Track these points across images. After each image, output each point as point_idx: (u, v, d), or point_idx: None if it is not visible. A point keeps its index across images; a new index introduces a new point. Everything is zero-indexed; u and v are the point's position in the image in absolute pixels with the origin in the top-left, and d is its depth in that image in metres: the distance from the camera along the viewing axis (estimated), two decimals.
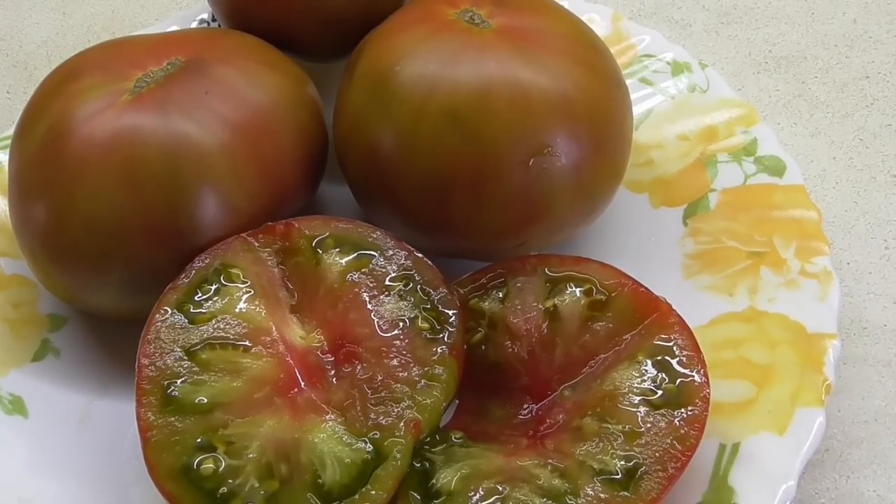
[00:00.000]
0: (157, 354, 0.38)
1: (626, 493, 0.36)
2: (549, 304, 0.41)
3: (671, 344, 0.39)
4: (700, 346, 0.39)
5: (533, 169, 0.41)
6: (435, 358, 0.39)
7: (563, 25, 0.45)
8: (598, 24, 0.53)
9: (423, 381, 0.38)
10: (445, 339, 0.39)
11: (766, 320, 0.43)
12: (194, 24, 0.56)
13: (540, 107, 0.41)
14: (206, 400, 0.37)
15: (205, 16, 0.56)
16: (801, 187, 0.46)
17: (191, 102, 0.42)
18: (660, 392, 0.38)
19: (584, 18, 0.47)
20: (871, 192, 0.52)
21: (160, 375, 0.38)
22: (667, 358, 0.39)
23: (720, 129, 0.49)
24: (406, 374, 0.39)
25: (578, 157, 0.42)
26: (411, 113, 0.42)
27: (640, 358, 0.39)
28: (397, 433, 0.37)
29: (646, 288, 0.41)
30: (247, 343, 0.39)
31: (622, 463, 0.37)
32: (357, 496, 0.36)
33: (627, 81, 0.46)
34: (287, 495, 0.36)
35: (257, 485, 0.36)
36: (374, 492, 0.36)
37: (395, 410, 0.38)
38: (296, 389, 0.38)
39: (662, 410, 0.38)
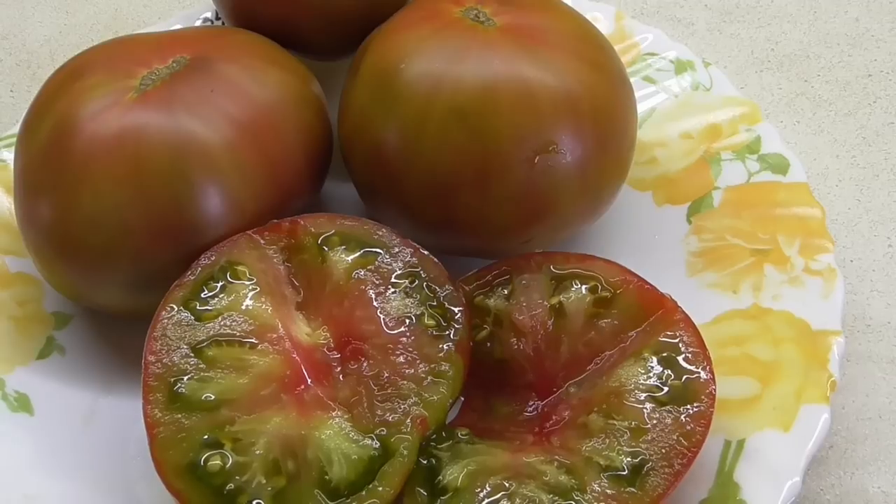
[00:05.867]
0: (163, 351, 0.38)
1: (632, 489, 0.36)
2: (554, 301, 0.41)
3: (676, 341, 0.39)
4: (705, 343, 0.39)
5: (538, 166, 0.41)
6: (441, 355, 0.39)
7: (567, 23, 0.45)
8: (602, 22, 0.53)
9: (429, 377, 0.39)
10: (451, 336, 0.40)
11: (770, 317, 0.43)
12: (198, 23, 0.56)
13: (545, 104, 0.41)
14: (212, 397, 0.38)
15: (208, 14, 0.56)
16: (805, 185, 0.46)
17: (196, 100, 0.42)
18: (665, 388, 0.38)
19: (587, 17, 0.47)
20: (874, 189, 0.52)
21: (167, 372, 0.38)
22: (672, 354, 0.39)
23: (723, 127, 0.49)
24: (412, 370, 0.39)
25: (583, 155, 0.42)
26: (416, 111, 0.42)
27: (646, 355, 0.39)
28: (404, 430, 0.37)
29: (651, 285, 0.41)
30: (253, 340, 0.39)
31: (628, 459, 0.37)
32: (364, 492, 0.36)
33: (631, 80, 0.46)
34: (294, 492, 0.36)
35: (264, 481, 0.36)
36: (381, 488, 0.36)
37: (402, 407, 0.38)
38: (302, 386, 0.39)
39: (668, 407, 0.38)
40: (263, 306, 0.40)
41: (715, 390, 0.38)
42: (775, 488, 0.37)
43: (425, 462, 0.38)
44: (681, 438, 0.37)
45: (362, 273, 0.41)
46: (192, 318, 0.39)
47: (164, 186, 0.41)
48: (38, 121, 0.43)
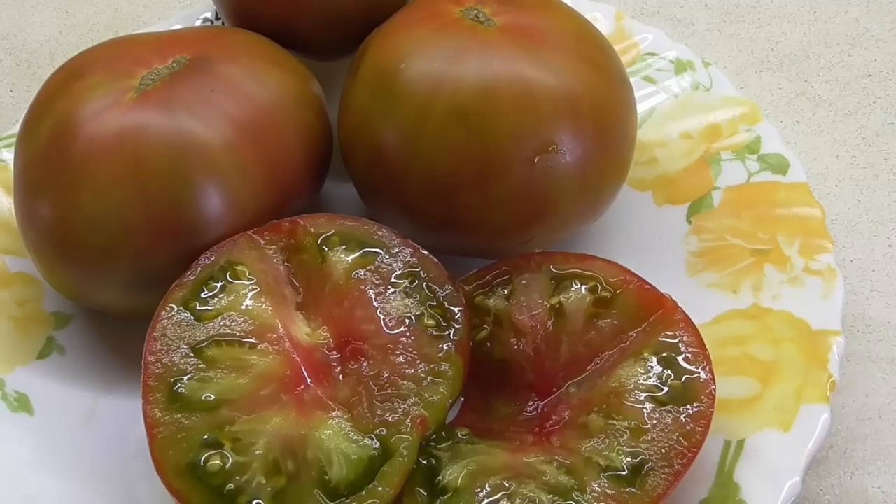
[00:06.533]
0: (163, 352, 0.38)
1: (632, 489, 0.36)
2: (554, 301, 0.41)
3: (676, 341, 0.39)
4: (705, 343, 0.39)
5: (538, 166, 0.41)
6: (441, 355, 0.39)
7: (567, 23, 0.45)
8: (602, 22, 0.53)
9: (429, 377, 0.39)
10: (451, 336, 0.40)
11: (770, 317, 0.43)
12: (198, 23, 0.56)
13: (545, 104, 0.41)
14: (212, 397, 0.38)
15: (208, 14, 0.56)
16: (805, 185, 0.46)
17: (196, 100, 0.42)
18: (665, 389, 0.38)
19: (587, 17, 0.47)
20: (873, 189, 0.52)
21: (166, 372, 0.38)
22: (672, 355, 0.39)
23: (723, 127, 0.49)
24: (412, 370, 0.39)
25: (583, 155, 0.42)
26: (416, 111, 0.42)
27: (646, 355, 0.39)
28: (404, 430, 0.37)
29: (651, 285, 0.41)
30: (253, 340, 0.39)
31: (628, 459, 0.37)
32: (364, 492, 0.36)
33: (630, 80, 0.46)
34: (294, 492, 0.36)
35: (264, 481, 0.36)
36: (380, 488, 0.36)
37: (402, 407, 0.38)
38: (302, 386, 0.39)
39: (668, 407, 0.38)
40: (263, 306, 0.40)
41: (715, 390, 0.38)
42: (775, 488, 0.37)
43: (425, 462, 0.38)
44: (681, 438, 0.37)
45: (362, 273, 0.41)
46: (192, 318, 0.39)
47: (164, 186, 0.41)
48: (38, 121, 0.43)
